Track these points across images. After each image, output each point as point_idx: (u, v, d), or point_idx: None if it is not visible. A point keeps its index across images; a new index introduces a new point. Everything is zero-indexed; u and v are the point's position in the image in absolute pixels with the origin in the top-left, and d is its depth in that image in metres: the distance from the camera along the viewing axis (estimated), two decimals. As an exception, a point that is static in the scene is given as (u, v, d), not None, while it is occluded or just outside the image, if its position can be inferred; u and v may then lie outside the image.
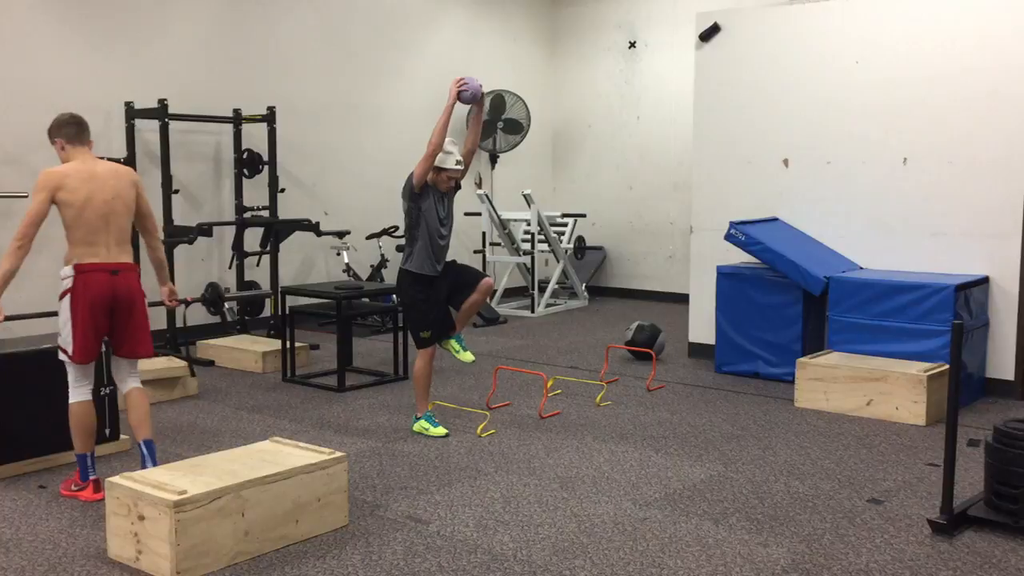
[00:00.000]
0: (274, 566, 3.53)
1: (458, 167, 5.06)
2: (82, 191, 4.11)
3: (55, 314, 4.27)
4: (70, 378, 4.24)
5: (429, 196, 5.08)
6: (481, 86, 5.15)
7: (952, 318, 5.62)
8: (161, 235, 4.62)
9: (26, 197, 4.38)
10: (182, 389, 6.09)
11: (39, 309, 5.47)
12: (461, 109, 6.97)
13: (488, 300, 5.46)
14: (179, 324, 7.63)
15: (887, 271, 6.40)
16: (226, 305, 7.69)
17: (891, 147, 6.46)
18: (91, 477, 4.24)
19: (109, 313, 4.20)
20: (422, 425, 5.28)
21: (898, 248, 6.46)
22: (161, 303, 4.68)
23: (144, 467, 4.06)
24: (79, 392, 4.24)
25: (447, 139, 5.02)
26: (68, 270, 4.14)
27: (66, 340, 4.16)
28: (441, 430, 5.24)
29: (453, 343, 5.39)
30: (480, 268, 10.25)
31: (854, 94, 6.59)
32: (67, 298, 4.13)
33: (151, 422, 4.31)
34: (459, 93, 5.05)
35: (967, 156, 6.16)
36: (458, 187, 5.25)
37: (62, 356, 4.20)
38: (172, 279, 7.40)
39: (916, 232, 6.39)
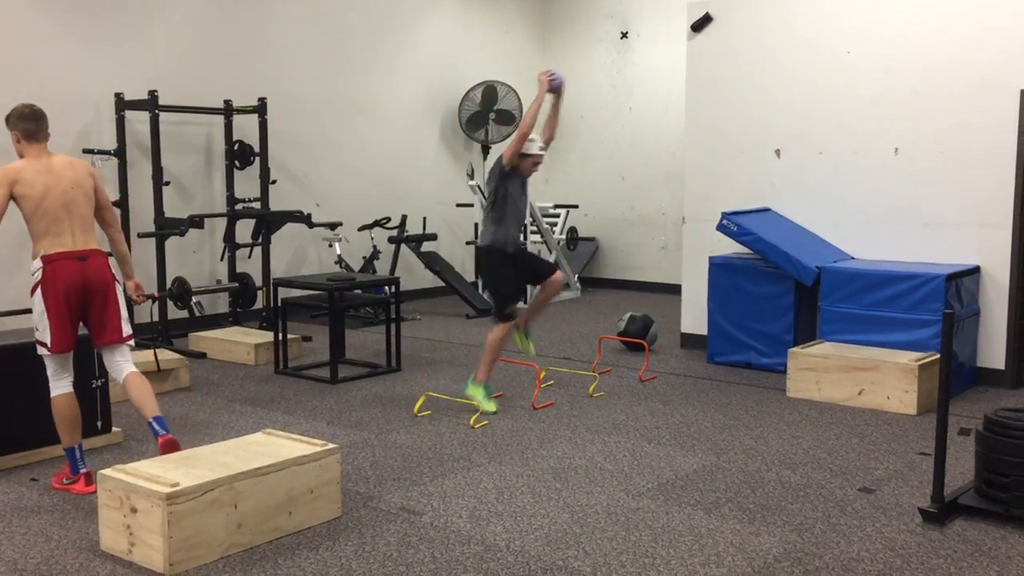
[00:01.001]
0: (267, 558, 3.53)
1: (541, 152, 5.57)
2: (39, 183, 4.11)
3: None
4: (49, 372, 4.21)
5: (515, 178, 5.54)
6: (563, 78, 5.65)
7: (943, 307, 5.63)
8: (122, 233, 4.57)
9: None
10: (174, 381, 6.07)
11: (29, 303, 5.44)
12: (447, 107, 6.88)
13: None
14: (171, 317, 7.64)
15: (879, 261, 6.42)
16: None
17: (883, 137, 6.47)
18: (82, 470, 4.23)
19: (82, 300, 4.16)
20: (477, 392, 5.50)
21: (890, 238, 6.48)
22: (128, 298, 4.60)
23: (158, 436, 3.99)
24: (59, 385, 4.22)
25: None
26: (36, 263, 4.12)
27: (43, 333, 4.13)
28: (493, 405, 5.50)
29: (521, 336, 5.79)
30: (472, 259, 10.26)
31: (846, 84, 6.60)
32: (39, 290, 4.10)
33: (155, 400, 4.20)
34: (551, 82, 5.51)
35: (958, 146, 6.17)
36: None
37: (41, 350, 4.18)
38: (163, 272, 7.44)
39: (907, 222, 6.40)
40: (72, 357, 4.26)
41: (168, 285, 7.50)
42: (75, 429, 4.24)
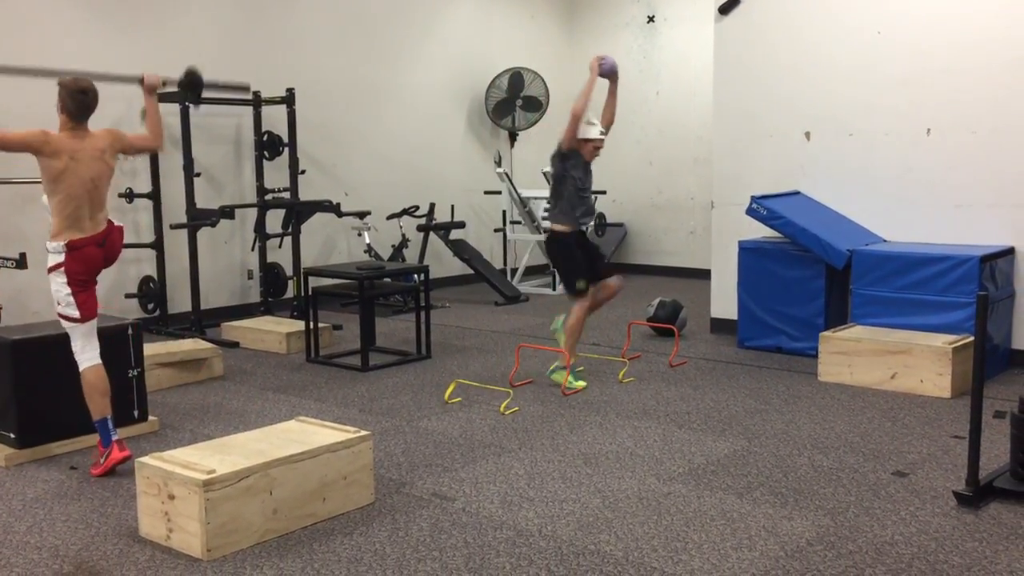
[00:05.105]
0: (303, 543, 3.57)
1: (602, 136, 5.63)
2: (63, 156, 4.20)
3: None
4: (77, 346, 4.34)
5: (575, 161, 5.59)
6: (614, 61, 5.84)
7: (977, 289, 5.58)
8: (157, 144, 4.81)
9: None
10: (208, 370, 6.15)
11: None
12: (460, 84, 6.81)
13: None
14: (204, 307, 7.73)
15: (911, 243, 6.35)
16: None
17: (914, 118, 6.39)
18: (113, 438, 4.31)
19: (99, 271, 4.42)
20: (561, 376, 5.69)
21: (922, 220, 6.41)
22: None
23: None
24: (87, 357, 4.36)
25: (588, 114, 5.56)
26: (59, 246, 4.25)
27: (69, 307, 4.28)
28: (582, 383, 5.73)
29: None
30: (500, 247, 10.27)
31: (876, 65, 6.52)
32: (61, 272, 4.25)
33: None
34: (601, 66, 5.70)
35: (991, 126, 6.09)
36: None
37: (67, 324, 4.32)
38: (196, 262, 7.52)
39: (940, 203, 6.33)
40: (96, 328, 4.40)
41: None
42: (104, 398, 4.35)
